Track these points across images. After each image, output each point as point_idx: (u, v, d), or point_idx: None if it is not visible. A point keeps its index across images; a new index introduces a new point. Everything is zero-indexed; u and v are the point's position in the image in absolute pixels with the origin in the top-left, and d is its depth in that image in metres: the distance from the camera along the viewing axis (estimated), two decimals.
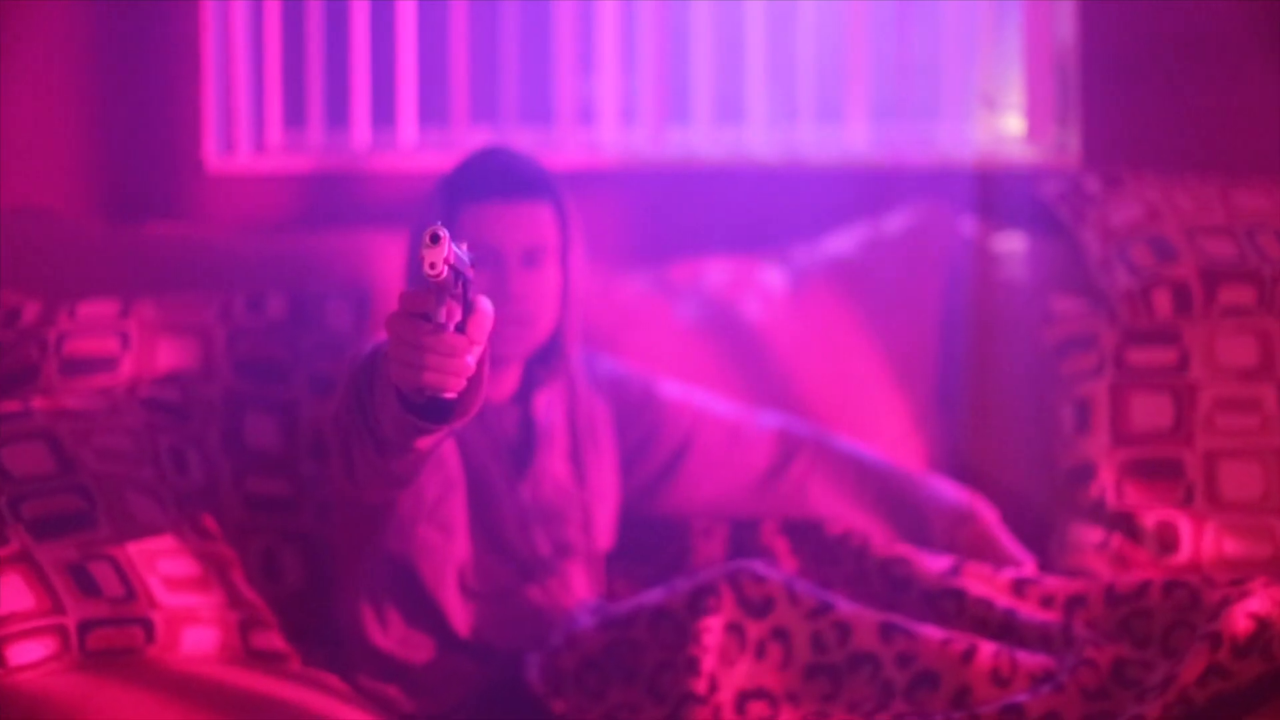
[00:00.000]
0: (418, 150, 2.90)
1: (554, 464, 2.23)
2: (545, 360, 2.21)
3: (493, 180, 2.14)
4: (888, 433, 2.56)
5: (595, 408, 2.28)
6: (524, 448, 2.22)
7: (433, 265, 1.39)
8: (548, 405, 2.23)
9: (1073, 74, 2.79)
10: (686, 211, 2.81)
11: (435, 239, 1.39)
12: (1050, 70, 2.84)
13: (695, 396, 2.38)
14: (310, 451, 2.31)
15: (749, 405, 2.46)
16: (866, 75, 2.87)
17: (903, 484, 2.36)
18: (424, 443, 1.65)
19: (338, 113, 2.90)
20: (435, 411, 1.58)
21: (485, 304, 1.52)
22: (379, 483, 1.86)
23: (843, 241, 2.70)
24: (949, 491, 2.38)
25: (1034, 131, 2.87)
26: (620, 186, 2.79)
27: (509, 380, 2.21)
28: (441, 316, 1.48)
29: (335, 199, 2.81)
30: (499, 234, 2.13)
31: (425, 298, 1.49)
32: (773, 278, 2.66)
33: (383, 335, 1.89)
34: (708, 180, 2.83)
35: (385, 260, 2.53)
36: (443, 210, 2.13)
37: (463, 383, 1.51)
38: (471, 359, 1.49)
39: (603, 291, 2.56)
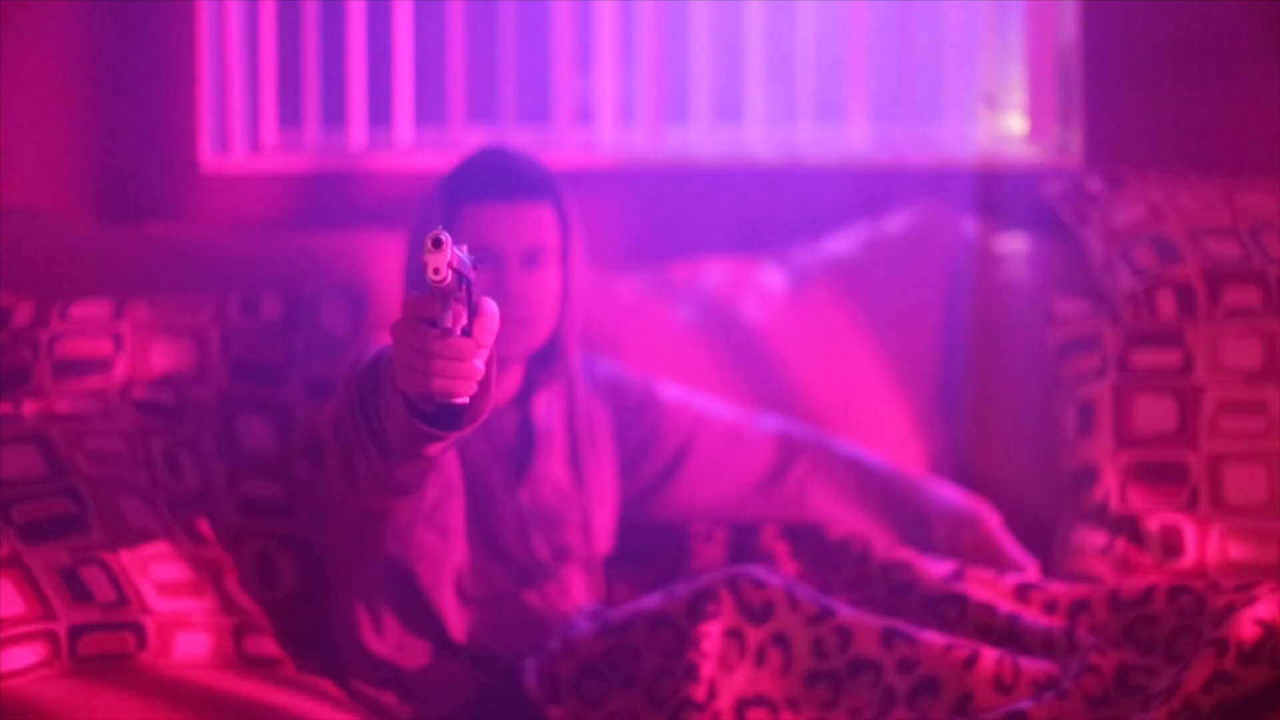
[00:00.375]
0: (414, 150, 2.88)
1: (553, 467, 2.22)
2: (545, 362, 2.19)
3: (493, 180, 2.12)
4: (889, 436, 2.54)
5: (595, 411, 2.27)
6: (523, 451, 2.21)
7: (436, 271, 1.37)
8: (547, 408, 2.22)
9: (1075, 73, 2.77)
10: (685, 211, 2.78)
11: (438, 244, 1.36)
12: (1052, 69, 2.83)
13: (695, 400, 2.36)
14: (305, 454, 2.30)
15: (748, 408, 2.44)
16: (867, 74, 2.85)
17: (904, 488, 2.33)
18: (433, 449, 1.63)
19: (334, 112, 2.88)
20: (445, 417, 1.55)
21: (490, 306, 1.50)
22: (382, 490, 1.84)
23: (843, 242, 2.67)
24: (951, 495, 2.36)
25: (1036, 131, 2.84)
26: (618, 186, 2.76)
27: (509, 382, 2.20)
28: (448, 321, 1.46)
29: (331, 199, 2.80)
30: (499, 234, 2.11)
31: (430, 303, 1.46)
32: (772, 278, 2.63)
33: (382, 337, 1.95)
34: (707, 180, 2.80)
35: (381, 261, 2.50)
36: (442, 211, 2.11)
37: (473, 387, 1.49)
38: (480, 362, 1.48)
39: (600, 292, 2.54)
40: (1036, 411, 2.51)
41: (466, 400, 1.50)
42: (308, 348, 2.37)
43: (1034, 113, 2.84)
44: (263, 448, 2.29)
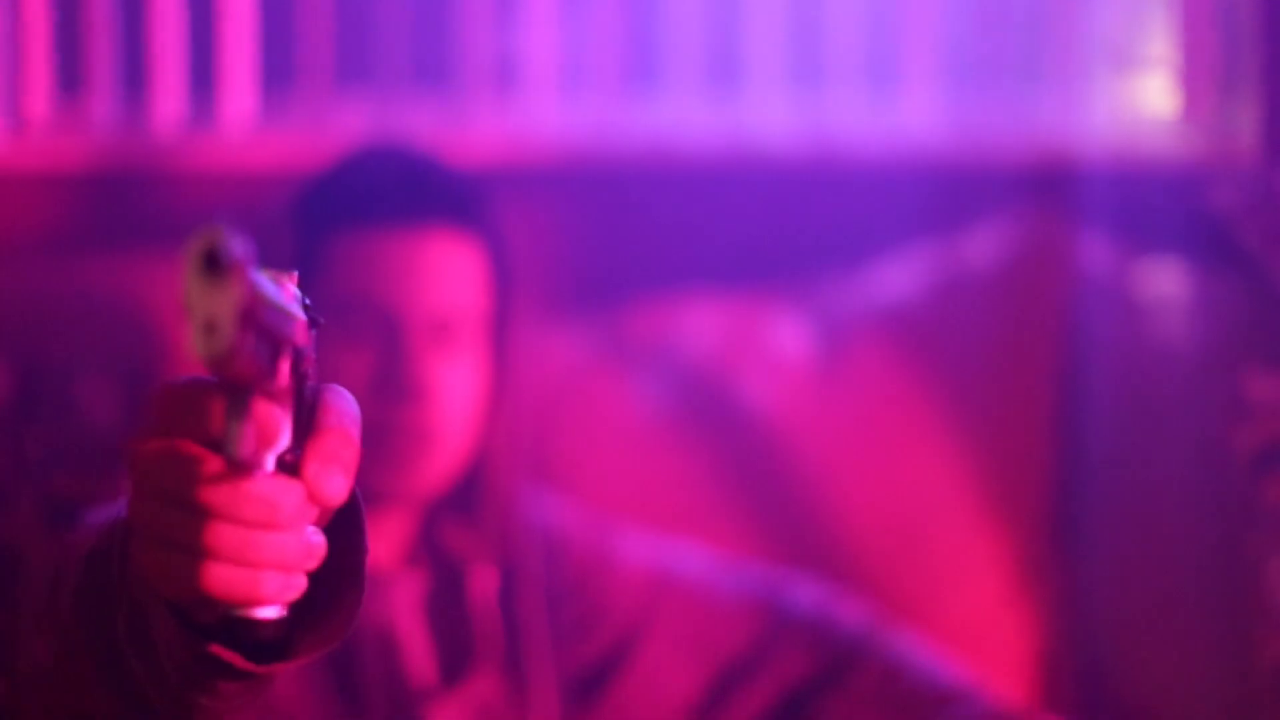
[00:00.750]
0: (256, 127, 2.52)
1: (480, 686, 1.84)
2: (460, 508, 1.85)
3: (381, 190, 1.85)
4: (967, 604, 2.19)
5: (540, 587, 1.94)
6: (421, 655, 1.82)
7: (212, 328, 0.87)
8: (466, 590, 1.87)
9: (1245, 19, 2.42)
10: (656, 225, 2.45)
11: (217, 258, 0.87)
12: (1213, 11, 2.50)
13: (669, 556, 2.00)
14: (36, 627, 1.80)
15: (742, 549, 2.13)
16: (936, 19, 2.57)
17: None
18: (233, 689, 1.13)
19: (135, 73, 2.51)
20: (251, 632, 1.07)
21: (341, 402, 1.05)
22: None
23: (901, 276, 2.35)
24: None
25: (1191, 105, 2.48)
26: (553, 185, 2.44)
27: (393, 538, 1.83)
28: (241, 441, 0.98)
29: (120, 204, 2.42)
30: (391, 284, 1.80)
31: (204, 399, 1.01)
32: (790, 334, 2.31)
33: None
34: (688, 177, 2.49)
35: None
36: (295, 239, 1.83)
37: (300, 583, 1.03)
38: (313, 536, 1.02)
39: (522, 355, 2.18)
40: (1214, 562, 2.16)
41: (279, 612, 1.02)
42: (50, 452, 2.08)
43: (1188, 79, 2.49)
44: None
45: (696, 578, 1.97)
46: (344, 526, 1.07)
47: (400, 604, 1.81)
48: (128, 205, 2.43)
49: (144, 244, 2.35)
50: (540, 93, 2.57)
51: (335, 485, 1.01)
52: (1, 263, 2.33)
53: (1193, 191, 2.34)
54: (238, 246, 0.88)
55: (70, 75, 2.54)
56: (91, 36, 2.53)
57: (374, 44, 2.60)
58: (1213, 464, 2.19)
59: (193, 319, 0.89)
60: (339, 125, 2.33)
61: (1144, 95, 2.60)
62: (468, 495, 1.87)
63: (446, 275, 1.83)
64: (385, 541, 1.83)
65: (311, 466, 1.01)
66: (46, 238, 2.44)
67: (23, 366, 2.06)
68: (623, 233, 2.47)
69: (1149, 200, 2.38)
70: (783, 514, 2.20)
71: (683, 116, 2.56)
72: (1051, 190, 2.42)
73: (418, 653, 1.82)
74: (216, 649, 1.01)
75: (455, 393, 1.81)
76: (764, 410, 2.24)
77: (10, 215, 2.46)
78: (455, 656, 1.85)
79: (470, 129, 2.51)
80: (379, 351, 1.78)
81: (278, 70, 2.55)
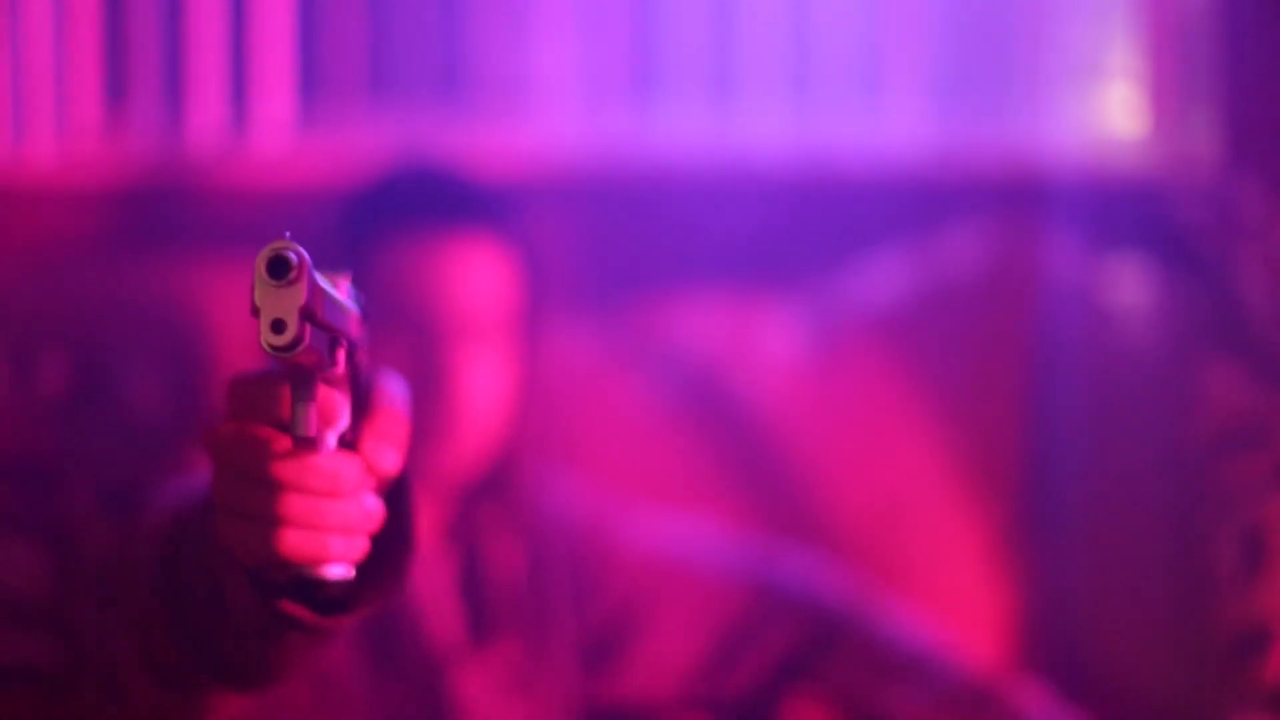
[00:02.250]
0: (289, 140, 2.53)
1: (503, 646, 1.90)
2: (488, 498, 1.91)
3: (421, 201, 1.89)
4: (947, 578, 2.20)
5: (560, 562, 1.98)
6: (453, 623, 1.88)
7: (280, 326, 1.00)
8: (494, 565, 1.91)
9: (1208, 31, 2.44)
10: (658, 230, 2.47)
11: (281, 265, 0.99)
12: (1176, 27, 2.50)
13: (676, 536, 2.03)
14: (93, 595, 1.92)
15: (739, 530, 2.14)
16: (918, 38, 2.57)
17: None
18: (300, 642, 1.21)
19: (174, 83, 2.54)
20: (317, 588, 1.16)
21: (392, 385, 1.15)
22: (208, 681, 1.39)
23: (886, 279, 2.35)
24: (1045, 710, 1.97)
25: (1156, 117, 2.48)
26: (562, 193, 2.44)
27: (430, 521, 1.87)
28: (306, 423, 1.08)
29: (158, 216, 2.43)
30: (427, 286, 1.84)
31: (272, 388, 1.10)
32: (783, 332, 2.33)
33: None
34: (688, 184, 2.49)
35: (226, 302, 2.18)
36: (342, 247, 1.85)
37: (361, 545, 1.12)
38: (371, 500, 1.11)
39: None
40: (1172, 538, 2.19)
41: (348, 572, 1.12)
42: (103, 435, 2.11)
43: (1153, 92, 2.49)
44: (30, 585, 2.03)
45: (697, 557, 2.01)
46: (397, 496, 1.16)
47: (435, 578, 1.86)
48: (169, 215, 2.45)
49: (187, 251, 2.36)
50: (548, 104, 2.58)
51: (389, 457, 1.11)
52: (59, 269, 2.33)
53: (1157, 201, 2.38)
54: (299, 254, 0.99)
55: (115, 85, 2.56)
56: (134, 49, 2.55)
57: (395, 58, 2.60)
58: (1172, 450, 2.22)
59: (262, 317, 0.99)
60: (366, 135, 2.35)
61: (1111, 108, 2.59)
62: (498, 480, 1.90)
63: (477, 278, 1.87)
64: (424, 524, 1.85)
65: (368, 442, 1.11)
66: (95, 247, 2.43)
67: (78, 364, 2.10)
68: (627, 238, 2.48)
69: (1115, 209, 2.40)
70: (778, 500, 2.21)
71: (683, 127, 2.58)
72: (1024, 199, 2.42)
73: (450, 621, 1.86)
74: (288, 605, 1.10)
75: (483, 386, 1.84)
76: (759, 403, 2.26)
77: (60, 226, 2.45)
78: (483, 624, 1.88)
79: (481, 138, 2.51)
80: (414, 348, 1.81)
81: (310, 80, 2.58)
